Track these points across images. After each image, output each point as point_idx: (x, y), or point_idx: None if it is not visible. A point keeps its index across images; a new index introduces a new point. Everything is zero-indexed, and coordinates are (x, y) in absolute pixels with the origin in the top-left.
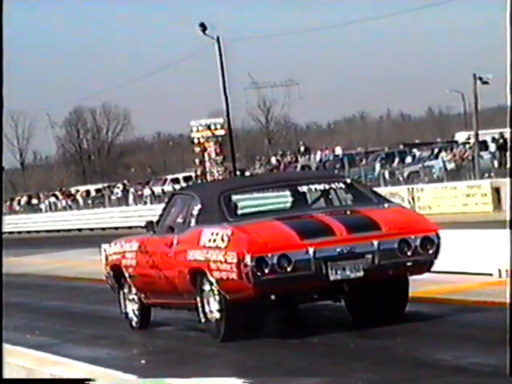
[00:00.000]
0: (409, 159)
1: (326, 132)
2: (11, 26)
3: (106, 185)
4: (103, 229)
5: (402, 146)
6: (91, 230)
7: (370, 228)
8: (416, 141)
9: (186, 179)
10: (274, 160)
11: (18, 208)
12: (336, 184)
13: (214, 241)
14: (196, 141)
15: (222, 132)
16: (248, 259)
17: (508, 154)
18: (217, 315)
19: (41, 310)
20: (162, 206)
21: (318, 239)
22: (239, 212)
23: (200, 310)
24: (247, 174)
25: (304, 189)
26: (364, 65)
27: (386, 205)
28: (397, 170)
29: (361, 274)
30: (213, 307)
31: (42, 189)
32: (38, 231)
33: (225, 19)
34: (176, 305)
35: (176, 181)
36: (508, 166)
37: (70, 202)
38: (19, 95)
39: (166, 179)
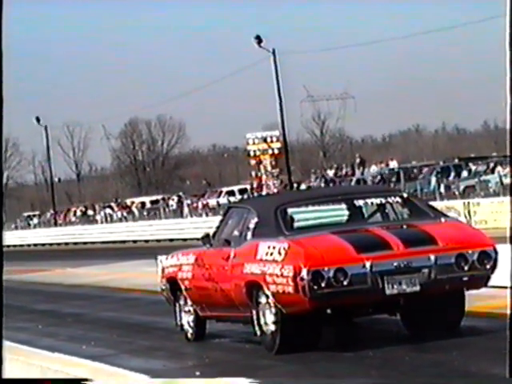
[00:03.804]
0: (464, 173)
1: (381, 145)
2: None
3: (161, 197)
4: (158, 240)
5: (457, 160)
6: (146, 241)
7: (427, 242)
8: (471, 155)
9: (242, 192)
10: (329, 173)
11: (73, 219)
12: (392, 198)
13: (271, 254)
14: (252, 153)
15: (277, 145)
16: (304, 273)
17: None
18: (272, 328)
19: (97, 321)
20: (217, 218)
21: (374, 253)
22: (296, 225)
23: (255, 322)
24: (303, 187)
25: (360, 203)
26: (419, 78)
27: (443, 219)
28: (452, 184)
29: (417, 288)
30: (268, 320)
31: (98, 200)
32: (93, 242)
33: (281, 32)
34: (232, 318)
35: (231, 193)
36: None
37: (125, 214)
38: (75, 107)
39: (221, 191)
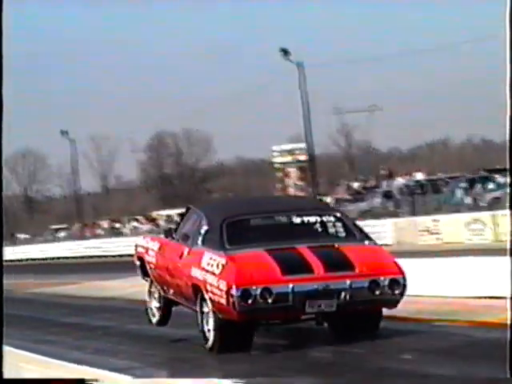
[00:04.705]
0: (491, 185)
1: (408, 157)
2: (96, 53)
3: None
4: None
5: (483, 172)
6: None
7: (346, 268)
8: (498, 166)
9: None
10: (355, 185)
11: (100, 232)
12: (327, 217)
13: (211, 265)
14: (278, 166)
15: (303, 157)
16: (234, 290)
17: None
18: (211, 327)
19: (125, 334)
20: None
21: (298, 275)
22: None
23: (199, 318)
24: (328, 199)
25: (297, 220)
26: (445, 90)
27: (367, 242)
28: (479, 196)
29: (334, 308)
30: (208, 320)
31: (124, 213)
32: (120, 255)
33: (306, 44)
34: (185, 306)
35: None
36: None
37: (152, 227)
38: (102, 120)
39: None
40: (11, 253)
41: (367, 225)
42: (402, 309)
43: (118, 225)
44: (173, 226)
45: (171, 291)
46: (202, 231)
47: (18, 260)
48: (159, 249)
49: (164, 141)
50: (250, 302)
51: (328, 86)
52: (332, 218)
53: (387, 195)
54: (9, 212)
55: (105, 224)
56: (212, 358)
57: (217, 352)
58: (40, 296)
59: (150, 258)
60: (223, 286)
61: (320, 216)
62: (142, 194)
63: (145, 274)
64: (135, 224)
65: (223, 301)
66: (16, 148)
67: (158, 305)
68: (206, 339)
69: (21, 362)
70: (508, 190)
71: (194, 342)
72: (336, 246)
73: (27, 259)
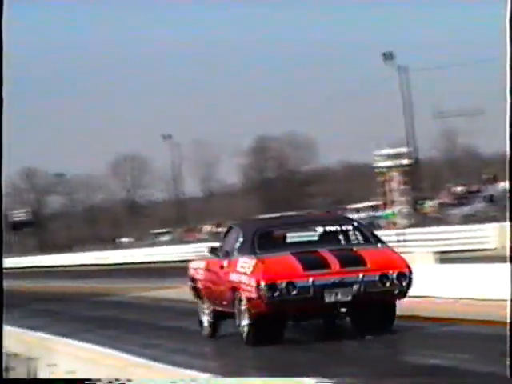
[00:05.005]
0: None
1: None
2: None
3: (289, 213)
4: None
5: None
6: None
7: (359, 264)
8: None
9: (372, 208)
10: (457, 189)
11: (203, 236)
12: (345, 226)
13: (244, 268)
14: (380, 170)
15: (406, 161)
16: (263, 285)
17: None
18: (246, 323)
19: (226, 337)
20: None
21: (317, 271)
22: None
23: (237, 316)
24: (431, 203)
25: (320, 229)
26: None
27: (379, 245)
28: None
29: (350, 298)
30: (244, 316)
31: (227, 217)
32: None
33: (407, 48)
34: (226, 312)
35: (357, 210)
36: None
37: None
38: (204, 124)
39: (345, 208)
40: (117, 256)
41: (471, 229)
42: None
43: (220, 229)
44: (216, 245)
45: (216, 300)
46: (238, 243)
47: (121, 264)
48: (206, 266)
49: (266, 145)
50: (276, 294)
51: (429, 90)
52: (350, 227)
53: (491, 199)
54: (112, 216)
55: (207, 228)
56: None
57: (252, 345)
58: (141, 300)
59: (199, 275)
60: (253, 282)
61: (340, 225)
62: (245, 197)
63: (196, 295)
64: None
65: (254, 295)
66: (121, 151)
67: (208, 319)
68: (243, 333)
69: (129, 366)
70: None
71: (295, 346)
72: (353, 249)
73: (131, 263)
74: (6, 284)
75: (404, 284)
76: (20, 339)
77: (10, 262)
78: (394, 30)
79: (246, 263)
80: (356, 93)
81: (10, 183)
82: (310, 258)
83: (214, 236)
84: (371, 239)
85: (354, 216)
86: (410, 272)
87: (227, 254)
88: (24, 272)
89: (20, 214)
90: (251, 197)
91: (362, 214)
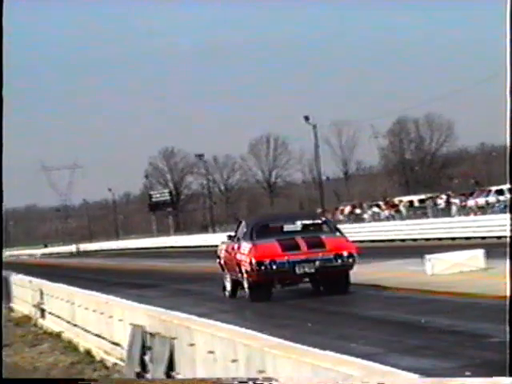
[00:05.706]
0: None
1: None
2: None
3: (428, 195)
4: (427, 239)
5: None
6: (414, 240)
7: (320, 246)
8: None
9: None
10: None
11: (341, 217)
12: (316, 220)
13: (245, 250)
14: None
15: None
16: (254, 262)
17: None
18: (247, 287)
19: (365, 319)
20: (486, 217)
21: (291, 252)
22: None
23: (242, 282)
24: None
25: (299, 223)
26: None
27: (338, 234)
28: None
29: (313, 270)
30: (245, 284)
31: (365, 199)
32: (361, 241)
33: None
34: (237, 280)
35: (500, 192)
36: None
37: (392, 212)
38: (344, 105)
39: (489, 190)
40: None
41: None
42: None
43: (358, 210)
44: (232, 234)
45: (231, 271)
46: (243, 233)
47: None
48: (226, 248)
49: (405, 126)
50: (263, 268)
51: None
52: (319, 221)
53: None
54: (249, 197)
55: (346, 210)
56: (468, 348)
57: (251, 301)
58: None
59: (222, 254)
60: (248, 260)
61: (312, 220)
62: (383, 179)
63: (221, 267)
64: (375, 210)
65: (249, 269)
66: (260, 132)
67: (229, 284)
68: (246, 294)
69: (265, 346)
70: None
71: (445, 331)
72: (319, 236)
73: None
74: (145, 263)
75: (351, 261)
76: (159, 319)
77: (149, 242)
78: None
79: (245, 247)
80: (496, 74)
81: (151, 164)
82: (288, 243)
83: (352, 218)
84: (333, 230)
85: (500, 198)
86: (357, 252)
87: (237, 240)
88: (161, 252)
89: (160, 195)
90: (390, 178)
91: (508, 195)
